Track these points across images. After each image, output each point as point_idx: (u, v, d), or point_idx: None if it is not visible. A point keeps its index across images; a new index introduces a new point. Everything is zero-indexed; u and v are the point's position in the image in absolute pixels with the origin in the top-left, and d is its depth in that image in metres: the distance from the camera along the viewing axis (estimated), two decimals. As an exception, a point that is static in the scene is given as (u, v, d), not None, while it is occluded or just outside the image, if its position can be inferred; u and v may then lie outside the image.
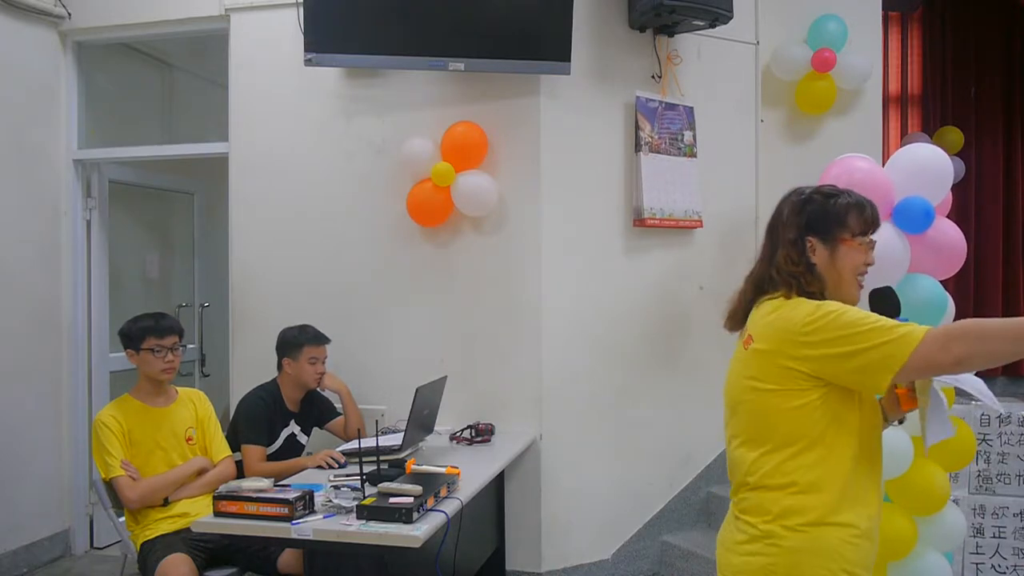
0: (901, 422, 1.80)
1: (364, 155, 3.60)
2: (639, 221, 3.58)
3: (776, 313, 1.59)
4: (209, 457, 2.96)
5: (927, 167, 2.33)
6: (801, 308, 1.55)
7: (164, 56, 4.82)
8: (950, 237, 2.34)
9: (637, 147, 3.59)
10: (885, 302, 1.71)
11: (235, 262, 3.80)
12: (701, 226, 3.77)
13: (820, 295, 1.62)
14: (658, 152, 3.64)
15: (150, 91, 4.85)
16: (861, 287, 1.69)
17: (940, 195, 2.35)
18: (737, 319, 1.73)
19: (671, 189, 3.66)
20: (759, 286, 1.68)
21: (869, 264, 1.68)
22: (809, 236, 1.65)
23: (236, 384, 3.68)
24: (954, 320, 2.44)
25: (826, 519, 1.51)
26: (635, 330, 3.67)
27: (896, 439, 2.30)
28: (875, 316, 1.48)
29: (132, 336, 2.86)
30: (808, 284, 1.62)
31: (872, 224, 1.68)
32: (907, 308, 2.32)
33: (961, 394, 1.61)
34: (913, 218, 2.26)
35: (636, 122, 3.58)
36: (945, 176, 2.34)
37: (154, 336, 2.85)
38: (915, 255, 2.29)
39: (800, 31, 4.08)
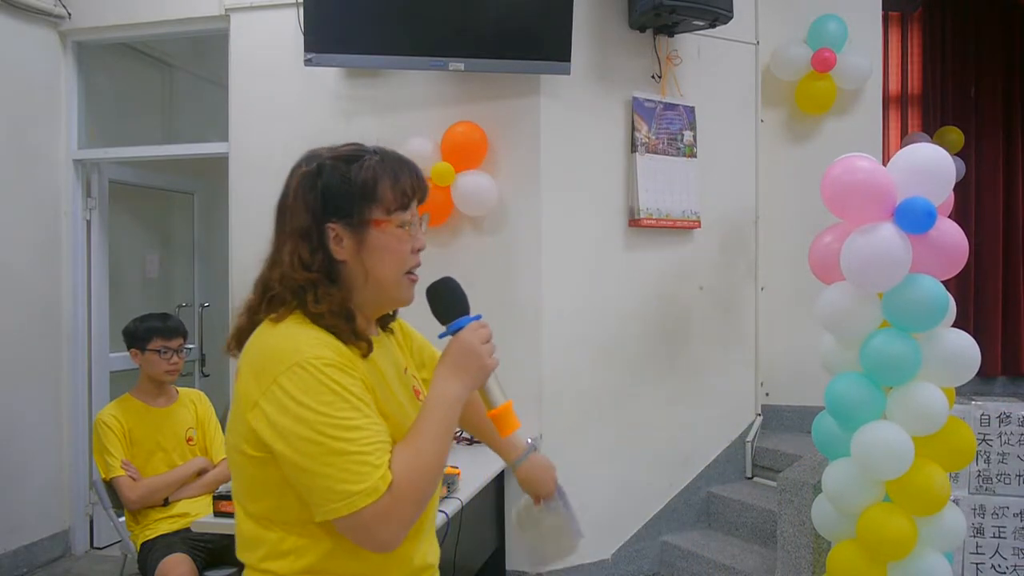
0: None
1: (364, 155, 3.60)
2: (634, 221, 3.59)
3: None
4: (209, 457, 2.96)
5: (929, 167, 2.33)
6: (272, 351, 1.09)
7: (164, 56, 4.82)
8: (952, 237, 2.33)
9: (633, 148, 3.59)
10: (448, 300, 1.24)
11: (235, 262, 3.80)
12: (699, 227, 3.77)
13: (341, 314, 1.13)
14: (655, 153, 3.64)
15: (150, 91, 4.85)
16: (414, 281, 1.23)
17: (942, 195, 2.34)
18: (243, 341, 1.20)
19: (668, 189, 3.66)
20: (267, 299, 1.17)
21: (419, 250, 1.21)
22: (331, 222, 1.15)
23: (236, 384, 3.68)
24: (954, 323, 2.44)
25: None
26: (635, 330, 3.66)
27: (896, 439, 2.30)
28: (356, 430, 1.06)
29: (138, 335, 2.85)
30: (321, 298, 1.12)
31: (415, 191, 1.19)
32: (909, 309, 2.33)
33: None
34: (915, 218, 2.25)
35: (632, 123, 3.58)
36: (947, 176, 2.33)
37: (161, 337, 2.85)
38: (917, 255, 2.28)
39: (800, 31, 4.08)
